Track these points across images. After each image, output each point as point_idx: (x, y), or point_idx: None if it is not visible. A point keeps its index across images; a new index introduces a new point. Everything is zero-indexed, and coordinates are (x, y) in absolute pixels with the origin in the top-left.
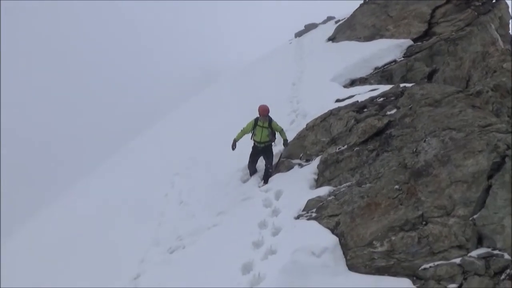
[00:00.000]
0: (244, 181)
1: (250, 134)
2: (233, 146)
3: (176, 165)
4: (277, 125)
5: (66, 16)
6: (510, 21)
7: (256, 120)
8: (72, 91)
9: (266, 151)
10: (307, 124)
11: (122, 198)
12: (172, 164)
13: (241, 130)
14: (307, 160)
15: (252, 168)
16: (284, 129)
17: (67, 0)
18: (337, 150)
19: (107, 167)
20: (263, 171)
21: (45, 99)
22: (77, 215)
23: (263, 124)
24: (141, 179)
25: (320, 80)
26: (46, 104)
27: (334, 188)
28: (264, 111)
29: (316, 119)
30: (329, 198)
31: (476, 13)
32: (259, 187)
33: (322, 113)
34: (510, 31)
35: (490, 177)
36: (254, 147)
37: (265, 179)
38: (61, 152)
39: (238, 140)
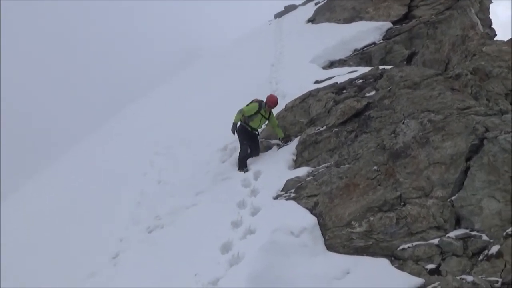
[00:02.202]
0: (224, 161)
1: (242, 117)
2: (234, 130)
3: (156, 144)
4: (275, 118)
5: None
6: (490, 5)
7: (260, 106)
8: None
9: (254, 139)
10: (286, 105)
11: (102, 178)
12: (152, 143)
13: (239, 112)
14: (286, 141)
15: (247, 158)
16: None
17: None
18: (316, 131)
19: (88, 144)
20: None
21: (44, 70)
22: (56, 194)
23: (265, 114)
24: (121, 157)
25: (299, 61)
26: (44, 73)
27: (313, 169)
28: (273, 103)
29: (295, 100)
30: (308, 179)
31: None
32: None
33: (301, 94)
34: (489, 15)
35: (468, 159)
36: (245, 129)
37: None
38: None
39: (238, 122)
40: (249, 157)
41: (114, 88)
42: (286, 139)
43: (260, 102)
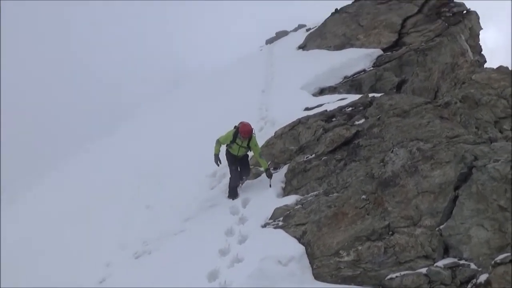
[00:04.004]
0: (212, 188)
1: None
2: (217, 162)
3: (143, 168)
4: (256, 145)
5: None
6: (480, 32)
7: (236, 135)
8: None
9: (242, 161)
10: (275, 132)
11: (89, 201)
12: (139, 167)
13: (218, 142)
14: (275, 168)
15: (236, 184)
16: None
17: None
18: (305, 159)
19: (75, 166)
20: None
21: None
22: (41, 216)
23: (242, 144)
24: (109, 181)
25: (290, 88)
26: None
27: (302, 197)
28: (245, 133)
29: (284, 127)
30: (296, 207)
31: (446, 24)
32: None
33: (291, 121)
34: (479, 42)
35: (457, 187)
36: (230, 153)
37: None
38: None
39: (218, 153)
40: (240, 179)
41: (103, 108)
42: (275, 167)
43: (237, 129)
